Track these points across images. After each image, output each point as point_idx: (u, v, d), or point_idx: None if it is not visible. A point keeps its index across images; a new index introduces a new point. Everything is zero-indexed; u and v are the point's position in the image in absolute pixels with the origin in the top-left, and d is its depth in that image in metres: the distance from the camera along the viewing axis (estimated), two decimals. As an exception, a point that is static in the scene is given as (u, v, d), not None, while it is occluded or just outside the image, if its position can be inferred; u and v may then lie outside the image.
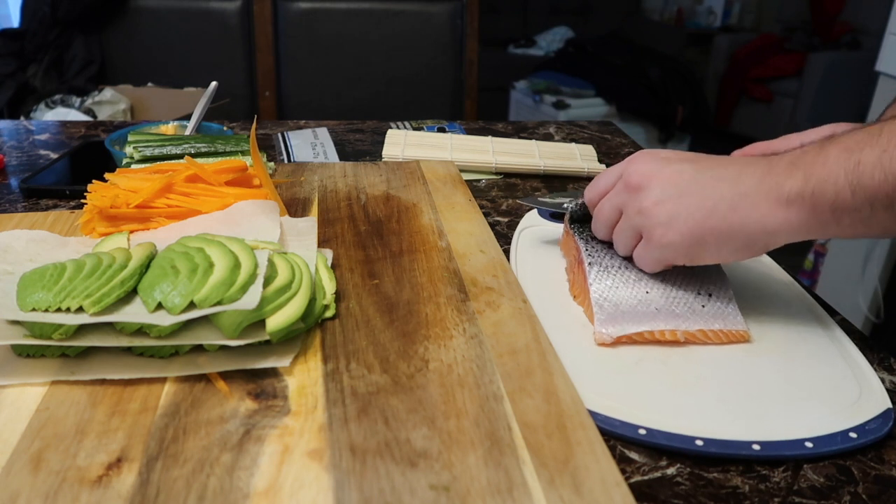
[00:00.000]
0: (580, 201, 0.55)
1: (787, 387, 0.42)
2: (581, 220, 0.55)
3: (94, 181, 0.55)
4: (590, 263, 0.50)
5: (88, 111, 1.52)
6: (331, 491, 0.31)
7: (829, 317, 0.51)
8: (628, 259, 0.50)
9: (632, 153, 0.93)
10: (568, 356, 0.43)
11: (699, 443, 0.37)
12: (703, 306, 0.47)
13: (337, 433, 0.35)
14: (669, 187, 0.45)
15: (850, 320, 0.52)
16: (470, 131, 0.99)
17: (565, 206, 0.56)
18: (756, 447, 0.37)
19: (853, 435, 0.38)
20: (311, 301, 0.43)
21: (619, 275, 0.49)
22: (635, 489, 0.35)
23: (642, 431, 0.38)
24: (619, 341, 0.45)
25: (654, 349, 0.45)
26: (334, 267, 0.52)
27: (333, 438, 0.34)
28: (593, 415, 0.38)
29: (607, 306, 0.47)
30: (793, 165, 0.41)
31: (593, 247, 0.51)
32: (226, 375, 0.39)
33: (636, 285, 0.48)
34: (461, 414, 0.36)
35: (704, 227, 0.43)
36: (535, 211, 0.66)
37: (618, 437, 0.38)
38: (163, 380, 0.39)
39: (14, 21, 1.97)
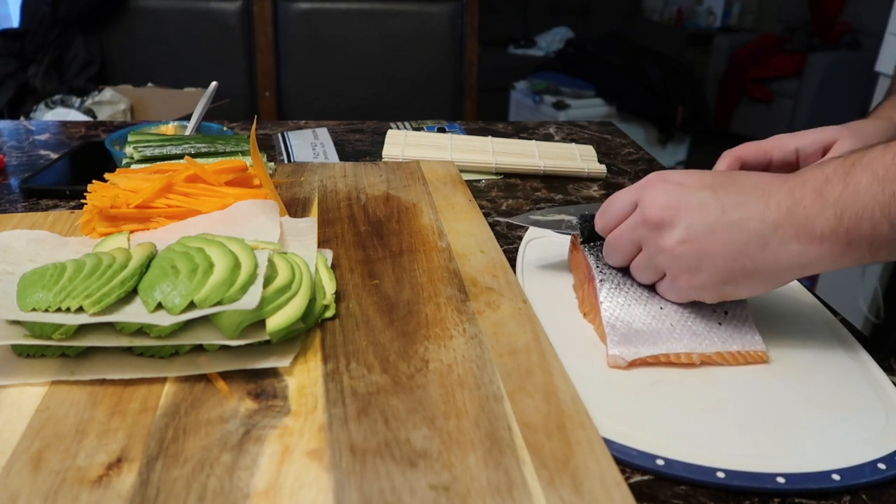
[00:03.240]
0: (587, 215, 0.52)
1: (809, 412, 0.41)
2: (591, 238, 0.52)
3: (94, 181, 0.55)
4: (601, 280, 0.48)
5: (88, 111, 1.52)
6: (331, 491, 0.31)
7: (849, 334, 0.49)
8: None
9: (632, 153, 0.94)
10: (579, 377, 0.41)
11: (720, 475, 0.35)
12: (720, 323, 0.45)
13: (337, 433, 0.35)
14: (694, 225, 0.42)
15: (850, 320, 0.51)
16: (470, 131, 0.99)
17: (574, 222, 0.53)
18: (781, 480, 0.35)
19: (882, 466, 0.36)
20: (311, 301, 0.43)
21: (632, 292, 0.47)
22: (635, 489, 0.35)
23: (660, 462, 0.36)
24: (632, 365, 0.44)
25: (670, 370, 0.44)
26: (334, 267, 0.52)
27: (333, 438, 0.34)
28: (608, 443, 0.37)
29: (620, 326, 0.45)
30: (820, 197, 0.39)
31: (605, 262, 0.49)
32: (226, 375, 0.39)
33: (649, 303, 0.46)
34: (461, 414, 0.36)
35: (734, 267, 0.41)
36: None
37: (635, 467, 0.36)
38: (163, 380, 0.39)
39: (14, 21, 1.97)
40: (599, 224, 0.49)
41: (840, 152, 0.50)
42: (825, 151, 0.53)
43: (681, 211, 0.42)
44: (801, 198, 0.40)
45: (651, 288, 0.47)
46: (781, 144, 0.53)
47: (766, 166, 0.55)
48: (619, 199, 0.47)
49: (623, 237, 0.46)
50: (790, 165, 0.54)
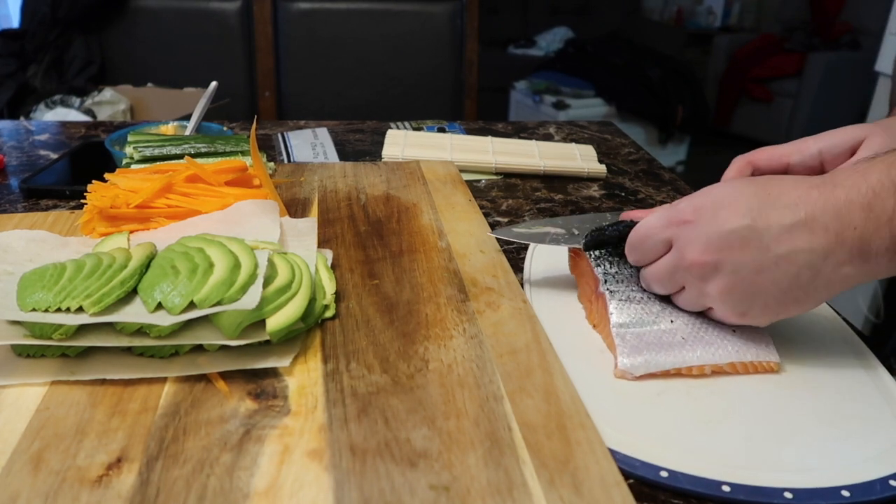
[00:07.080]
0: (596, 228, 0.49)
1: (819, 425, 0.39)
2: (596, 247, 0.50)
3: (94, 181, 0.55)
4: (610, 292, 0.46)
5: (88, 111, 1.52)
6: (331, 491, 0.31)
7: (862, 343, 0.47)
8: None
9: (632, 153, 0.94)
10: (585, 386, 0.40)
11: (726, 488, 0.35)
12: (734, 331, 0.44)
13: (337, 433, 0.35)
14: (740, 269, 0.40)
15: (849, 320, 0.51)
16: (470, 131, 0.99)
17: (561, 235, 0.50)
18: (788, 495, 0.34)
19: (893, 483, 0.35)
20: (311, 301, 0.43)
21: (642, 304, 0.46)
22: (635, 489, 0.35)
23: (664, 474, 0.35)
24: (640, 378, 0.43)
25: (677, 380, 0.43)
26: (334, 267, 0.52)
27: (333, 438, 0.34)
28: (612, 453, 0.35)
29: (630, 338, 0.44)
30: (871, 214, 0.38)
31: (612, 275, 0.48)
32: (226, 375, 0.39)
33: (661, 314, 0.45)
34: (461, 414, 0.36)
35: (786, 300, 0.41)
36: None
37: (638, 478, 0.36)
38: (163, 380, 0.39)
39: (14, 21, 1.97)
40: (632, 259, 0.47)
41: (871, 150, 0.48)
42: (853, 151, 0.50)
43: (722, 252, 0.40)
44: (850, 219, 0.38)
45: (662, 302, 0.46)
46: (802, 148, 0.50)
47: (783, 171, 0.52)
48: (651, 238, 0.44)
49: (662, 277, 0.44)
50: (812, 169, 0.51)
